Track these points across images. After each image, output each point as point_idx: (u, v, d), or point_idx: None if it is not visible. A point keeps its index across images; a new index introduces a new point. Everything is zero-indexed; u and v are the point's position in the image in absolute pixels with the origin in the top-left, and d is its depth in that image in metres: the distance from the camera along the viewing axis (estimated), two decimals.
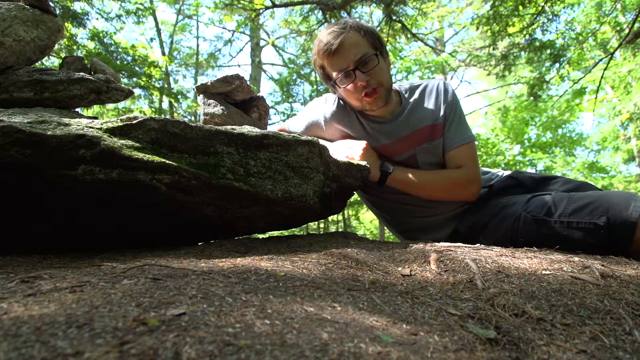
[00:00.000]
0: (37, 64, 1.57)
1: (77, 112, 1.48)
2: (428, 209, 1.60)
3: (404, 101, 1.62)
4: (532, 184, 1.60)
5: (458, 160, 1.53)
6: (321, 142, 1.31)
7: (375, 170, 1.52)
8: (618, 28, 7.21)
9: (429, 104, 1.58)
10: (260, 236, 1.50)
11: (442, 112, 1.55)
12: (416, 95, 1.62)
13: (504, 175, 1.68)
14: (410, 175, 1.53)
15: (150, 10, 10.77)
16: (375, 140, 1.59)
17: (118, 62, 8.45)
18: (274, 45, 11.91)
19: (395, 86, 1.68)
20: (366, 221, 14.01)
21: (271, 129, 1.39)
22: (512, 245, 1.37)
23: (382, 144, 1.58)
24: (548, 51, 6.37)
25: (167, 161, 1.01)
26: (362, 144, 1.54)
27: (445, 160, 1.56)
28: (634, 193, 1.27)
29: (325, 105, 1.68)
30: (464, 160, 1.53)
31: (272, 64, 16.18)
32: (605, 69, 5.72)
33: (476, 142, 1.60)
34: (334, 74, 1.50)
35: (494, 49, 6.49)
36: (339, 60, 1.46)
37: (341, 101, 1.65)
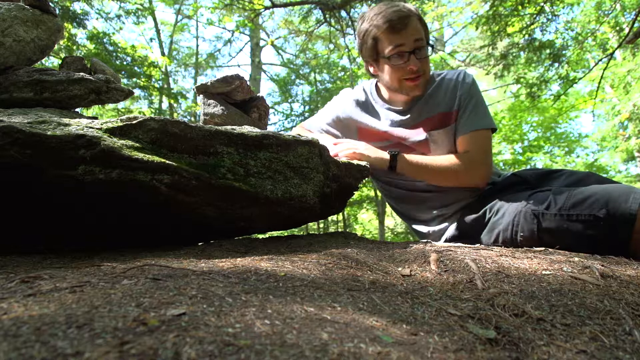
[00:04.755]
0: (37, 64, 1.56)
1: (77, 112, 1.48)
2: (437, 200, 1.62)
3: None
4: (535, 180, 1.61)
5: (466, 146, 1.55)
6: (321, 142, 1.31)
7: (385, 157, 1.55)
8: (617, 28, 7.21)
9: (447, 92, 1.61)
10: (260, 236, 1.50)
11: (457, 100, 1.58)
12: (435, 83, 1.64)
13: (507, 173, 1.70)
14: (417, 159, 1.56)
15: (150, 11, 10.76)
16: (390, 124, 1.64)
17: (117, 62, 8.45)
18: (273, 45, 11.90)
19: None
20: (365, 221, 14.01)
21: (271, 129, 1.40)
22: (513, 241, 1.38)
23: (396, 129, 1.63)
24: (547, 51, 6.36)
25: (167, 161, 1.01)
26: (362, 143, 1.60)
27: (456, 146, 1.59)
28: (633, 186, 1.28)
29: (342, 99, 1.77)
30: (471, 145, 1.54)
31: (272, 64, 16.18)
32: (604, 69, 5.72)
33: (494, 132, 1.61)
34: (389, 49, 1.53)
35: (493, 49, 6.48)
36: (400, 38, 1.51)
37: (357, 94, 1.73)
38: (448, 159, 1.56)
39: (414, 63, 1.51)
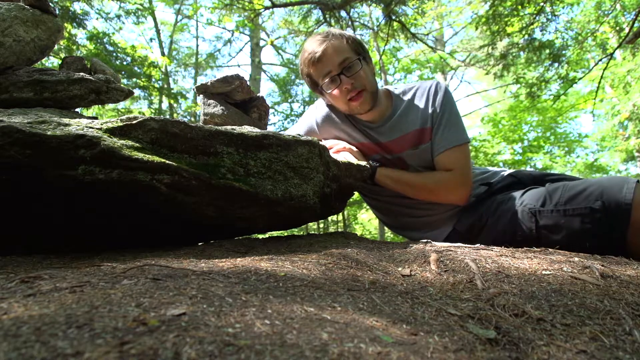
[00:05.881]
0: (37, 64, 1.56)
1: (77, 112, 1.48)
2: (423, 210, 1.61)
3: (394, 105, 1.63)
4: (531, 182, 1.60)
5: (446, 164, 1.53)
6: (321, 142, 1.32)
7: (366, 165, 1.55)
8: (617, 28, 7.22)
9: (420, 107, 1.58)
10: (260, 236, 1.50)
11: (430, 116, 1.55)
12: (408, 99, 1.63)
13: (504, 174, 1.68)
14: (398, 173, 1.57)
15: (150, 11, 10.76)
16: (366, 139, 1.62)
17: (117, 62, 8.45)
18: (273, 45, 11.90)
19: (390, 88, 1.70)
20: (365, 221, 14.02)
21: (271, 129, 1.40)
22: (512, 241, 1.38)
23: (372, 145, 1.61)
24: (547, 51, 6.37)
25: (167, 161, 1.01)
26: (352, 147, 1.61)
27: (435, 164, 1.56)
28: (627, 177, 1.29)
29: (316, 110, 1.73)
30: (452, 163, 1.52)
31: (272, 64, 16.20)
32: (604, 69, 5.72)
33: (469, 143, 1.59)
34: (321, 79, 1.53)
35: (492, 49, 6.49)
36: (324, 66, 1.50)
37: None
38: (431, 177, 1.54)
39: (345, 82, 1.49)
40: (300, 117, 1.84)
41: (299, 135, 1.26)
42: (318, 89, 1.59)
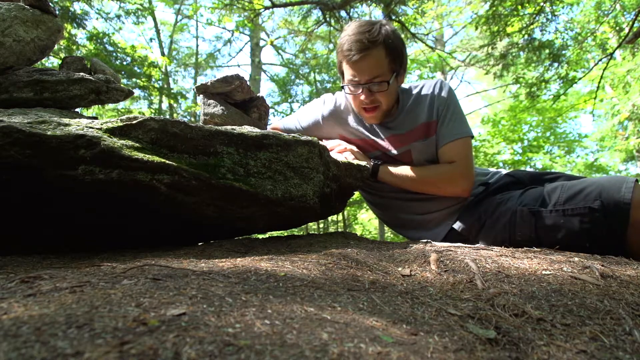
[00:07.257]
0: (37, 64, 1.56)
1: (77, 112, 1.48)
2: (422, 205, 1.62)
3: (401, 102, 1.65)
4: (530, 181, 1.61)
5: (449, 156, 1.55)
6: (321, 142, 1.32)
7: (368, 164, 1.58)
8: (617, 28, 7.22)
9: (425, 103, 1.61)
10: (260, 236, 1.50)
11: (435, 110, 1.58)
12: (413, 96, 1.65)
13: (502, 173, 1.69)
14: (400, 169, 1.58)
15: (150, 11, 10.76)
16: (372, 136, 1.64)
17: (117, 62, 8.45)
18: (273, 45, 11.90)
19: None
20: (365, 221, 14.02)
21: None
22: (511, 241, 1.38)
23: (378, 140, 1.63)
24: (547, 51, 6.37)
25: (167, 161, 1.01)
26: (352, 146, 1.63)
27: (438, 156, 1.59)
28: (625, 176, 1.29)
29: (323, 105, 1.74)
30: (453, 155, 1.54)
31: (272, 64, 16.20)
32: (604, 69, 5.72)
33: (472, 138, 1.61)
34: (347, 77, 1.53)
35: (492, 49, 6.49)
36: (355, 70, 1.49)
37: (339, 101, 1.70)
38: (433, 169, 1.56)
39: (365, 94, 1.49)
40: (306, 105, 1.84)
41: (299, 135, 1.26)
42: (342, 75, 1.59)
